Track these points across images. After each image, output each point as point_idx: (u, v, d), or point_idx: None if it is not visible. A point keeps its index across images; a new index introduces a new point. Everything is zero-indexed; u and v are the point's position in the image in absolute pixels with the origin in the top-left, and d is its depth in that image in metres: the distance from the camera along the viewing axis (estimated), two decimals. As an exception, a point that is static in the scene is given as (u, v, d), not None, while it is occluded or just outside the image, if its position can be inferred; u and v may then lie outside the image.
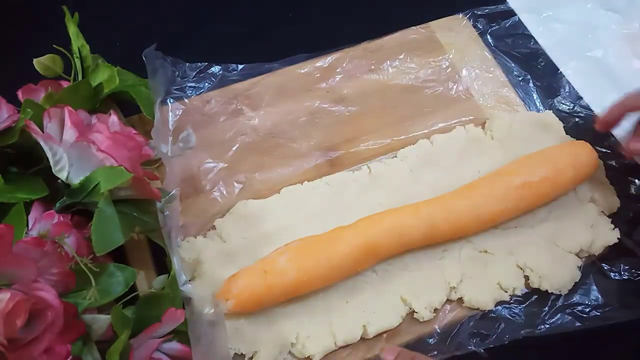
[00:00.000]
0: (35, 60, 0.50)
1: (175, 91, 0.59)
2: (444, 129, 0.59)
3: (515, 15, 0.68)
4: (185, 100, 0.59)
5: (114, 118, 0.47)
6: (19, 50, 0.63)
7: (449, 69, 0.63)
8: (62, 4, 0.52)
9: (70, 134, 0.43)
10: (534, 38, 0.66)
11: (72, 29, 0.52)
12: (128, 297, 0.42)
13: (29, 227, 0.41)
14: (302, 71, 0.61)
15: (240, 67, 0.61)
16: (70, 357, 0.38)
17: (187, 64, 0.60)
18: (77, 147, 0.42)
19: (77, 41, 0.52)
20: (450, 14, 0.67)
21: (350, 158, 0.57)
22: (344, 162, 0.57)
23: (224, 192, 0.54)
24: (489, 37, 0.66)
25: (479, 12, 0.67)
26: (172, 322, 0.42)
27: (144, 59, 0.54)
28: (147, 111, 0.52)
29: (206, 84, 0.60)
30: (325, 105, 0.60)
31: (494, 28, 0.66)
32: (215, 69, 0.61)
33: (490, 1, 0.68)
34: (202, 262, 0.49)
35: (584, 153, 0.54)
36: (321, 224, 0.51)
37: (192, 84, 0.60)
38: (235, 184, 0.55)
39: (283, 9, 0.69)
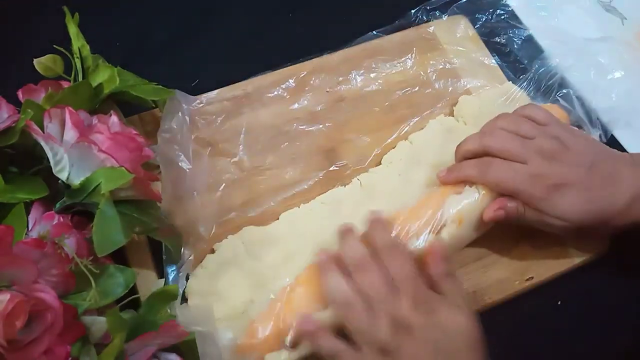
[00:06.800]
0: (35, 61, 0.49)
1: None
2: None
3: (510, 7, 0.68)
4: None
5: (114, 118, 0.47)
6: (19, 50, 0.62)
7: (447, 66, 0.63)
8: (62, 4, 0.51)
9: (71, 134, 0.43)
10: (528, 30, 0.67)
11: (72, 29, 0.52)
12: (128, 299, 0.42)
13: (29, 228, 0.41)
14: (301, 74, 0.61)
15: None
16: (70, 358, 0.38)
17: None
18: (78, 148, 0.42)
19: (77, 41, 0.51)
20: (447, 10, 0.67)
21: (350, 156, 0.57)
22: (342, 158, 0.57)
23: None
24: (484, 30, 0.66)
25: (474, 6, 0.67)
26: (171, 336, 0.42)
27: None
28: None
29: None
30: (323, 108, 0.59)
31: (489, 21, 0.67)
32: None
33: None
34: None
35: (555, 113, 0.53)
36: (323, 245, 0.49)
37: None
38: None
39: (283, 9, 0.69)
